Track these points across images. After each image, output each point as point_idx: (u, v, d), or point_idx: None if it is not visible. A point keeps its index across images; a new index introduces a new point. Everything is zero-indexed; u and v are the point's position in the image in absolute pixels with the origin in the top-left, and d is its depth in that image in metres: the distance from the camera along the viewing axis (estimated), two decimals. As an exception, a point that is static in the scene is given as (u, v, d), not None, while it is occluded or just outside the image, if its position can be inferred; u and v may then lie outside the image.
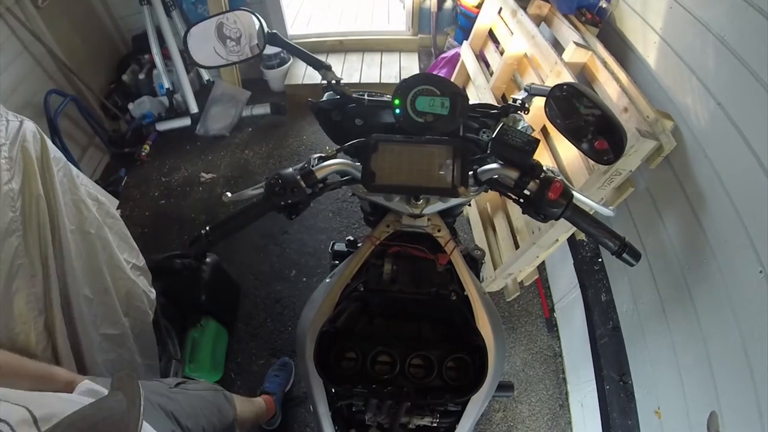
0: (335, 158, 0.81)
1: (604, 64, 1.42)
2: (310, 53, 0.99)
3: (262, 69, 3.00)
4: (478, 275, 1.04)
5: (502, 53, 1.99)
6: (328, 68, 0.97)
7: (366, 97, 0.99)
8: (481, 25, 2.19)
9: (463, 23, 2.64)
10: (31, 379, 0.77)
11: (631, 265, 0.77)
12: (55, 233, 1.03)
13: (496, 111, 1.00)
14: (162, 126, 2.82)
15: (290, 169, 0.75)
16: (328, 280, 0.91)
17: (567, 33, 1.66)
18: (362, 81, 3.00)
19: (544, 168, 0.77)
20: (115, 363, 1.21)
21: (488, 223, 2.08)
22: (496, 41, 2.15)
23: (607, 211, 0.88)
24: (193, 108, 2.81)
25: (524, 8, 1.84)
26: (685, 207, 1.15)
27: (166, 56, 2.75)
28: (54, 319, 1.02)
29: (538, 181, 0.75)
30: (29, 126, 1.01)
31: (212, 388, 1.12)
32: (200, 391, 1.05)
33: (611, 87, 1.34)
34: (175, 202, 2.50)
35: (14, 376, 0.75)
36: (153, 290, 1.43)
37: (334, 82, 0.97)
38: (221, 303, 1.82)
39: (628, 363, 1.35)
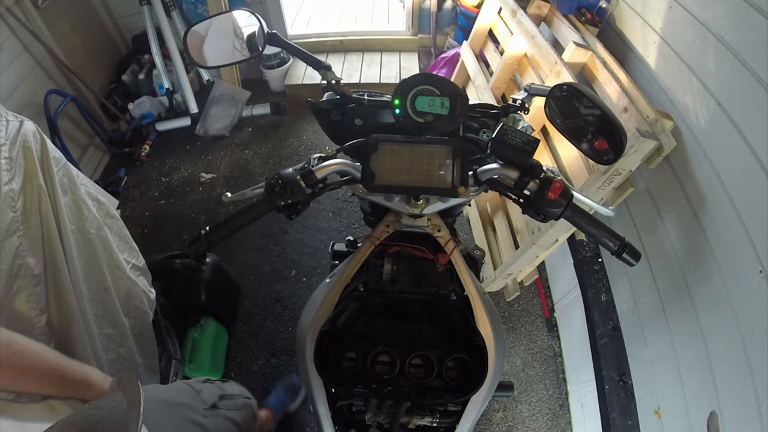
0: (335, 158, 0.81)
1: (604, 64, 1.42)
2: (310, 53, 0.99)
3: (262, 69, 3.01)
4: (478, 275, 1.04)
5: (502, 53, 1.99)
6: (328, 68, 0.97)
7: (366, 97, 0.99)
8: (481, 25, 2.19)
9: (463, 23, 2.65)
10: (68, 384, 0.68)
11: (631, 265, 0.77)
12: (60, 232, 1.03)
13: (496, 111, 1.00)
14: (162, 126, 2.83)
15: (290, 169, 0.75)
16: (328, 280, 0.90)
17: (567, 33, 1.66)
18: (362, 81, 3.00)
19: (544, 168, 0.77)
20: (115, 363, 1.21)
21: (488, 223, 2.08)
22: (496, 41, 2.15)
23: (607, 211, 0.88)
24: (193, 108, 2.82)
25: (524, 8, 1.84)
26: (685, 207, 1.15)
27: (166, 56, 2.76)
28: (71, 315, 1.02)
29: (538, 181, 0.75)
30: (29, 126, 1.01)
31: (245, 405, 1.07)
32: (233, 411, 1.00)
33: (611, 87, 1.34)
34: (175, 202, 2.50)
35: (49, 378, 0.65)
36: (153, 290, 1.43)
37: (334, 82, 0.98)
38: (221, 303, 1.82)
39: (628, 363, 1.35)
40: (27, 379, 0.63)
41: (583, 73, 1.52)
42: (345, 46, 3.27)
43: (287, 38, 1.18)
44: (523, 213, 0.80)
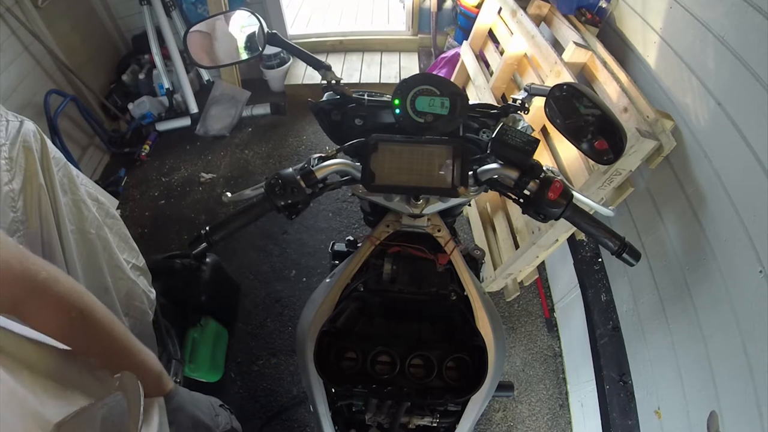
0: (335, 158, 0.81)
1: (604, 64, 1.42)
2: (309, 53, 0.99)
3: (262, 69, 3.01)
4: (478, 275, 1.04)
5: (502, 53, 1.99)
6: (328, 68, 0.97)
7: (366, 97, 0.99)
8: (480, 25, 2.19)
9: (463, 23, 2.65)
10: (126, 360, 0.65)
11: (631, 265, 0.77)
12: (59, 233, 1.03)
13: (496, 111, 1.00)
14: (162, 126, 2.83)
15: (290, 169, 0.75)
16: (328, 280, 0.90)
17: (567, 33, 1.66)
18: (362, 81, 3.00)
19: (544, 168, 0.77)
20: (115, 363, 1.20)
21: (488, 223, 2.08)
22: (496, 41, 2.15)
23: (607, 211, 0.88)
24: (193, 108, 2.82)
25: (524, 8, 1.84)
26: (685, 207, 1.15)
27: (166, 56, 2.76)
28: None
29: (538, 181, 0.75)
30: (29, 126, 1.01)
31: None
32: None
33: (611, 87, 1.34)
34: (175, 202, 2.50)
35: (114, 349, 0.64)
36: (153, 290, 1.43)
37: (334, 82, 0.98)
38: (221, 303, 1.82)
39: (628, 363, 1.35)
40: (96, 344, 0.62)
41: (583, 73, 1.52)
42: (345, 46, 3.27)
43: (287, 38, 1.18)
44: (523, 213, 0.80)
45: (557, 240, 1.52)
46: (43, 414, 0.48)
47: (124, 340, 0.66)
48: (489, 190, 0.85)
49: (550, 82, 1.20)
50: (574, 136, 0.85)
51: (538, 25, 1.74)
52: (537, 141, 0.78)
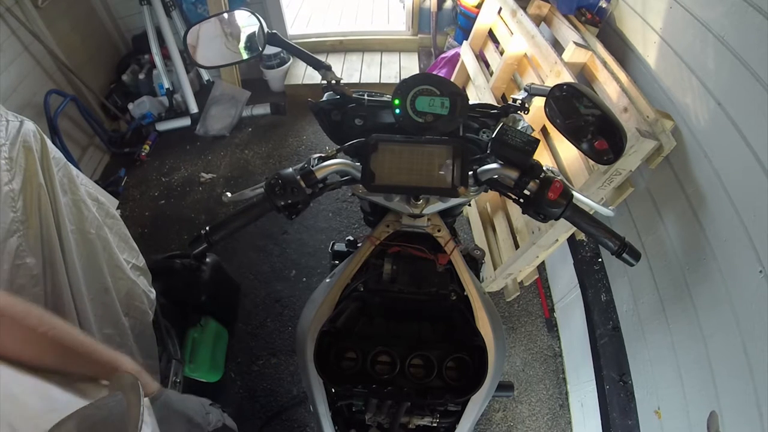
0: (335, 158, 0.81)
1: (604, 64, 1.42)
2: (309, 53, 0.99)
3: (262, 69, 3.01)
4: (478, 275, 1.04)
5: (502, 53, 1.99)
6: (328, 68, 0.97)
7: (366, 97, 0.99)
8: (480, 25, 2.19)
9: (463, 23, 2.65)
10: (95, 363, 0.67)
11: (631, 265, 0.77)
12: (59, 233, 1.03)
13: (496, 111, 1.00)
14: (162, 126, 2.83)
15: (290, 169, 0.75)
16: (328, 280, 0.91)
17: (567, 33, 1.66)
18: (362, 81, 3.01)
19: (544, 168, 0.77)
20: (115, 363, 1.21)
21: (488, 223, 2.08)
22: (496, 41, 2.15)
23: (607, 211, 0.88)
24: (193, 108, 2.82)
25: (524, 8, 1.84)
26: (685, 207, 1.15)
27: (166, 56, 2.76)
28: (67, 316, 1.02)
29: (538, 181, 0.75)
30: (29, 126, 1.01)
31: None
32: None
33: (611, 87, 1.34)
34: (175, 202, 2.50)
35: (78, 354, 0.65)
36: (153, 290, 1.43)
37: (334, 82, 0.98)
38: (221, 303, 1.82)
39: (628, 363, 1.35)
40: (57, 351, 0.62)
41: (583, 73, 1.52)
42: (345, 46, 3.27)
43: (287, 38, 1.18)
44: (523, 213, 0.80)
45: (557, 240, 1.52)
46: (28, 407, 0.48)
47: (85, 346, 0.65)
48: (489, 190, 0.85)
49: (550, 82, 1.20)
50: (574, 136, 0.85)
51: (538, 25, 1.74)
52: (537, 141, 0.78)
